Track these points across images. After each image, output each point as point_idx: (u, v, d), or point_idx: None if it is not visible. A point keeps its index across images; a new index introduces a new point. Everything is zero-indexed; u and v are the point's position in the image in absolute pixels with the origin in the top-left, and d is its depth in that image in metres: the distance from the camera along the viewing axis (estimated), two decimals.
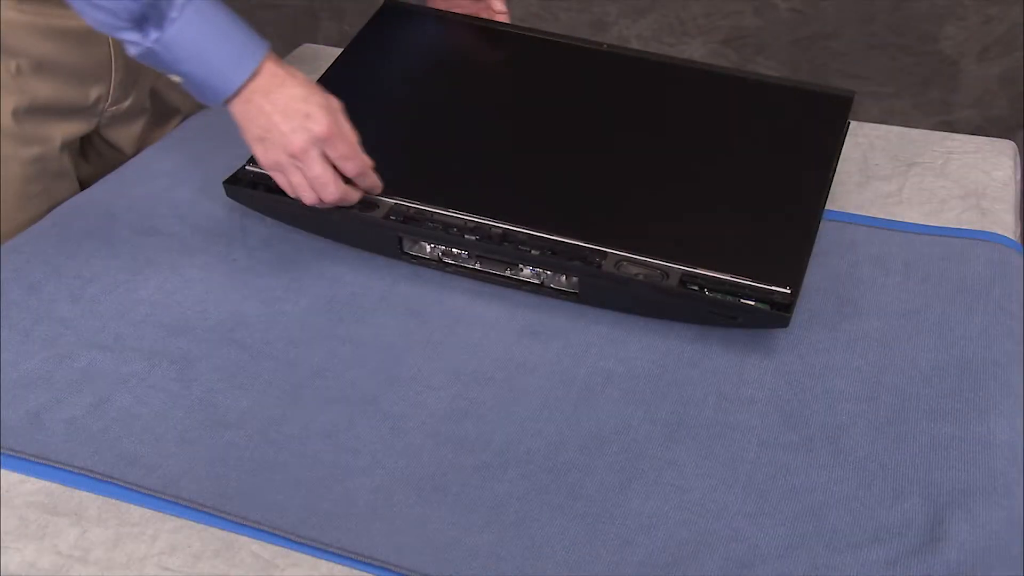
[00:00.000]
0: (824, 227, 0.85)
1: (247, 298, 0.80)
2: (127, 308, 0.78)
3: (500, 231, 0.78)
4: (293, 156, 0.75)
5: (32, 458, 0.65)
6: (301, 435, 0.67)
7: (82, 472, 0.64)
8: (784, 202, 0.79)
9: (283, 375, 0.72)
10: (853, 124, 0.98)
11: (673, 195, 0.81)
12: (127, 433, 0.67)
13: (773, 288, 0.72)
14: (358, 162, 0.78)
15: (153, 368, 0.73)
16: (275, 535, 0.60)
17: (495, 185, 0.83)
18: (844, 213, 0.89)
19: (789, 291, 0.71)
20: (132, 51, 0.74)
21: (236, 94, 0.75)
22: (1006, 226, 0.87)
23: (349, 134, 0.78)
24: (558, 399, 0.70)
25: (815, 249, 0.80)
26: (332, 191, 0.77)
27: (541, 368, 0.73)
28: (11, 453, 0.66)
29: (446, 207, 0.80)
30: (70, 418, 0.68)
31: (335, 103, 0.78)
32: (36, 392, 0.70)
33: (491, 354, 0.74)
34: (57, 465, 0.65)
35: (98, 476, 0.64)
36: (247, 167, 0.85)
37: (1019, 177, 0.97)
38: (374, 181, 0.80)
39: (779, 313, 0.71)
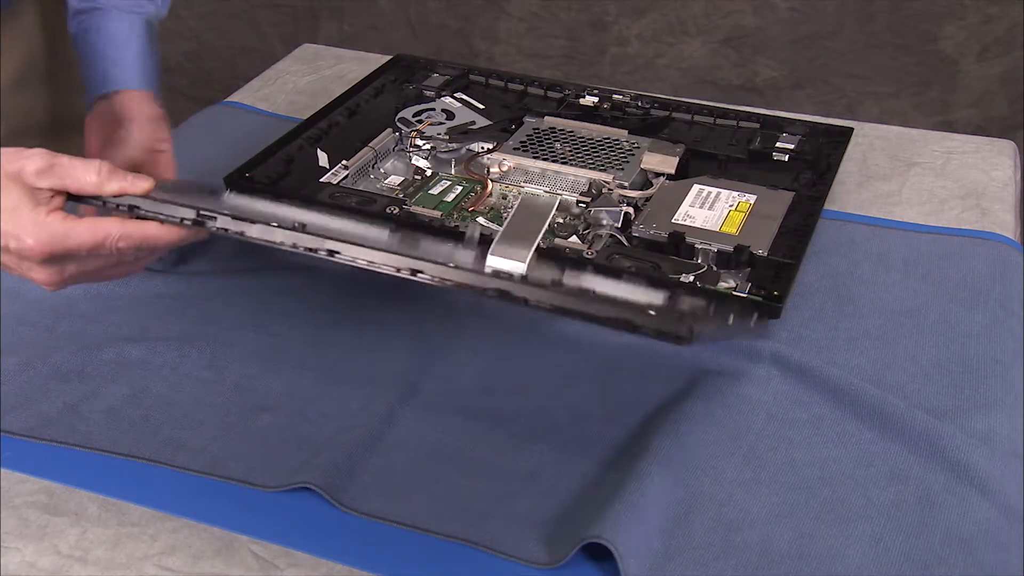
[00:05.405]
0: (824, 226, 0.85)
1: (270, 285, 0.80)
2: (148, 301, 0.78)
3: None
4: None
5: (76, 447, 0.65)
6: (337, 413, 0.68)
7: (127, 458, 0.64)
8: None
9: (312, 358, 0.73)
10: (853, 124, 0.98)
11: None
12: (168, 420, 0.67)
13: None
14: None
15: (184, 357, 0.72)
16: (274, 535, 0.60)
17: None
18: (844, 212, 0.89)
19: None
20: None
21: None
22: (1006, 226, 0.87)
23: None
24: (582, 371, 0.71)
25: (814, 248, 0.80)
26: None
27: (564, 341, 0.74)
28: (52, 443, 0.65)
29: None
30: (108, 408, 0.68)
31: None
32: (70, 384, 0.70)
33: (516, 328, 0.75)
34: (101, 452, 0.64)
35: (144, 461, 0.64)
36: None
37: (1019, 177, 0.97)
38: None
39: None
